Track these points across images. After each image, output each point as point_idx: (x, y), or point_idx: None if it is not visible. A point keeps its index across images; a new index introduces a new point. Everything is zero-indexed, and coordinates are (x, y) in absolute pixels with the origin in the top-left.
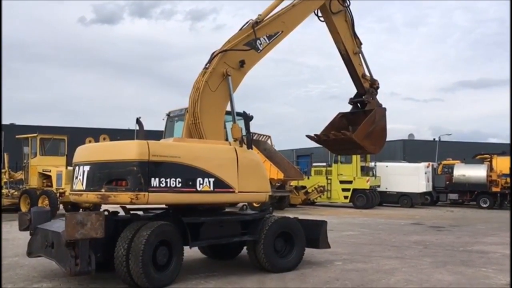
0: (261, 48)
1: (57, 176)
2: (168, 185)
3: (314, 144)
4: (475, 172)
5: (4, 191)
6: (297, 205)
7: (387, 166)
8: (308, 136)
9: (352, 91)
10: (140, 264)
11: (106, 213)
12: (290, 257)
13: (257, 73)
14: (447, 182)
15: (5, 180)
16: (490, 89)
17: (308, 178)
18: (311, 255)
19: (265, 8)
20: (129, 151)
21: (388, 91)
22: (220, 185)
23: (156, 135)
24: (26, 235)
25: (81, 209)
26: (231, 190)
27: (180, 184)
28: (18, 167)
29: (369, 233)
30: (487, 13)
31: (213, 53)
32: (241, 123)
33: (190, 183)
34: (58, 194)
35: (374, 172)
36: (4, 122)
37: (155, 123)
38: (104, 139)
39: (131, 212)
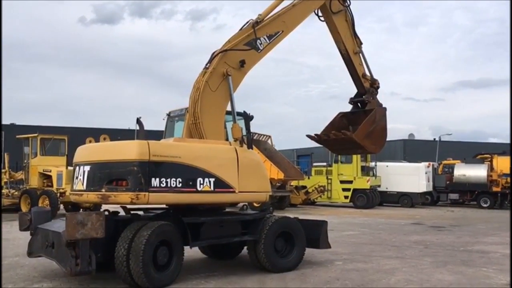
0: (261, 48)
1: (57, 176)
2: (169, 185)
3: (314, 144)
4: (476, 172)
5: (4, 191)
6: (297, 205)
7: (387, 166)
8: (309, 136)
9: (353, 90)
10: (140, 264)
11: (106, 213)
12: (290, 257)
13: (257, 73)
14: (448, 182)
15: (5, 180)
16: (490, 89)
17: (309, 178)
18: (311, 255)
19: (265, 8)
20: (129, 151)
21: (389, 91)
22: (221, 185)
23: (156, 135)
24: (26, 235)
25: (81, 209)
26: (231, 190)
27: (180, 184)
28: (19, 167)
29: (370, 233)
30: (487, 13)
31: (214, 53)
32: (241, 123)
33: (191, 183)
34: (58, 194)
35: (375, 172)
36: (4, 122)
37: (155, 123)
38: (104, 139)
39: (132, 212)
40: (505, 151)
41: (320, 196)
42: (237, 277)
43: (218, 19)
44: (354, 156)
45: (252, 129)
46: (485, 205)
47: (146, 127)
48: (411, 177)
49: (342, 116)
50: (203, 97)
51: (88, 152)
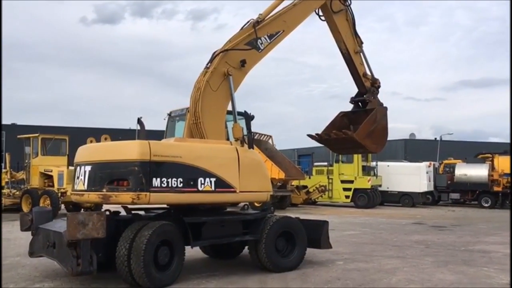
0: (262, 48)
1: (58, 176)
2: (170, 185)
3: (315, 144)
4: (477, 172)
5: (5, 191)
6: (298, 204)
7: (388, 166)
8: (310, 136)
9: (353, 90)
10: (141, 264)
11: (107, 213)
12: (291, 256)
13: (258, 73)
14: (449, 182)
15: (6, 180)
16: (491, 88)
17: (310, 177)
18: (312, 255)
19: (266, 7)
20: (130, 151)
21: (389, 91)
22: (222, 185)
23: (157, 135)
24: (28, 235)
25: (82, 209)
26: (232, 189)
27: (181, 184)
28: (20, 167)
29: (371, 233)
30: (488, 12)
31: (214, 52)
32: (242, 122)
33: (192, 183)
34: (59, 194)
35: (376, 171)
36: (5, 122)
37: (156, 123)
38: (105, 139)
39: (133, 212)
40: (506, 151)
41: (321, 196)
42: (238, 276)
43: (219, 19)
44: (355, 156)
45: (253, 129)
46: (486, 205)
47: (147, 127)
48: (412, 176)
49: (343, 115)
50: (204, 97)
51: (89, 152)
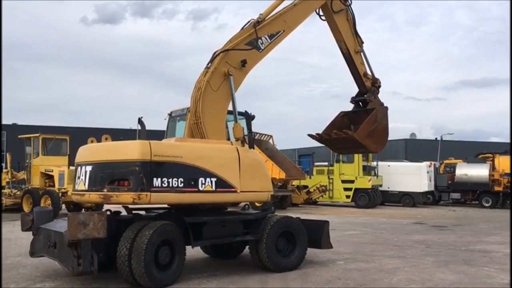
0: (262, 48)
1: (59, 176)
2: (170, 185)
3: (316, 144)
4: (477, 171)
5: (6, 191)
6: (299, 204)
7: (389, 166)
8: (310, 135)
9: (354, 90)
10: (142, 263)
11: (108, 213)
12: (292, 256)
13: (258, 72)
14: (449, 182)
15: (7, 180)
16: (492, 88)
17: (310, 177)
18: (313, 255)
19: (266, 7)
20: (131, 151)
21: (390, 90)
22: (222, 184)
23: (158, 135)
24: (28, 235)
25: (83, 209)
26: (233, 189)
27: (182, 184)
28: (21, 167)
29: (371, 233)
30: (489, 12)
31: (215, 52)
32: (242, 122)
33: (192, 183)
34: (60, 194)
35: (376, 171)
36: (6, 122)
37: (156, 122)
38: (106, 139)
39: (133, 212)
40: (507, 151)
41: (322, 196)
42: (239, 276)
43: (220, 19)
44: (356, 156)
45: (253, 129)
46: (487, 205)
47: (148, 127)
48: (413, 176)
49: (343, 115)
50: (205, 97)
51: (90, 152)
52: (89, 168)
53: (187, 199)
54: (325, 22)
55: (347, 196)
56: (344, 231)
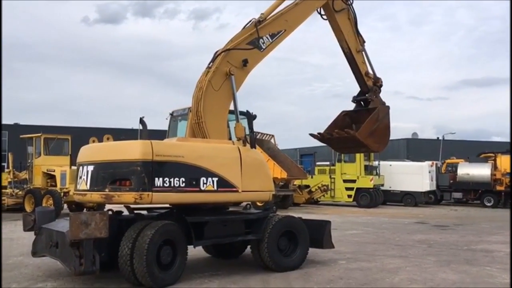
0: (264, 47)
1: (61, 175)
2: (172, 184)
3: (317, 143)
4: (479, 171)
5: (8, 190)
6: (300, 204)
7: (390, 165)
8: (312, 135)
9: (355, 89)
10: (144, 263)
11: (110, 212)
12: (294, 256)
13: (260, 72)
14: (451, 181)
15: (9, 179)
16: (494, 87)
17: (312, 177)
18: (315, 254)
19: (268, 7)
20: (132, 151)
21: (392, 90)
22: (224, 184)
23: (159, 135)
24: (30, 235)
25: (85, 209)
26: (234, 189)
27: (183, 184)
28: (22, 166)
29: (373, 232)
30: (490, 11)
31: (216, 52)
32: (244, 122)
33: (194, 182)
34: (62, 194)
35: (378, 171)
36: (7, 122)
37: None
38: (107, 139)
39: (135, 211)
40: (509, 150)
41: (323, 195)
42: (240, 276)
43: (221, 18)
44: (358, 155)
45: (255, 128)
46: (488, 204)
47: (149, 127)
48: (415, 176)
49: (345, 114)
50: (206, 97)
51: (91, 152)
52: (91, 168)
53: (189, 199)
54: (327, 21)
55: (349, 196)
56: (346, 230)
